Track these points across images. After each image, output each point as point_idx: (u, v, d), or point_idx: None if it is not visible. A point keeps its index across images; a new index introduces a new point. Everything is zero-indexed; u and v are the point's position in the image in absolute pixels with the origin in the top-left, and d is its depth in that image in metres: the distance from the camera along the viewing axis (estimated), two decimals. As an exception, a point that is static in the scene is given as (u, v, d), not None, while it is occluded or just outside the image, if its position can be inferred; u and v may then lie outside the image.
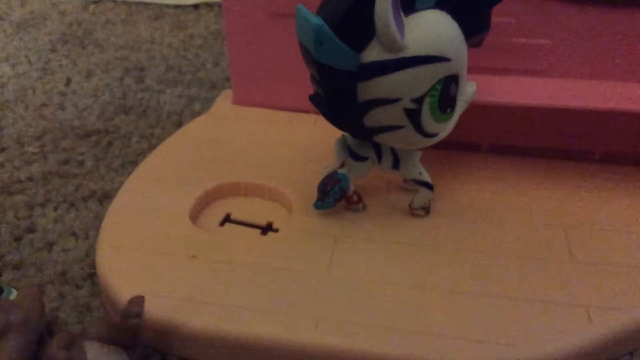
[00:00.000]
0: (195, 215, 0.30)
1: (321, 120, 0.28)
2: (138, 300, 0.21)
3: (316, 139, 0.35)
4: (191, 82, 0.48)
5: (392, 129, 0.25)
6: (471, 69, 0.27)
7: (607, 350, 0.23)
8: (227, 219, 0.30)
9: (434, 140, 0.26)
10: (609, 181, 0.31)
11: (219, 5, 0.65)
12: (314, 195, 0.28)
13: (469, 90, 0.27)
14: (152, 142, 0.40)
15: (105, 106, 0.44)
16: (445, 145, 0.29)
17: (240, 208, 0.30)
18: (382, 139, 0.26)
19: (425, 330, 0.22)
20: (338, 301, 0.24)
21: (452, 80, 0.25)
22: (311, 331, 0.22)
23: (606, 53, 0.32)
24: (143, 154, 0.38)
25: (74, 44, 0.55)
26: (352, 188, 0.28)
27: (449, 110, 0.26)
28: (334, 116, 0.26)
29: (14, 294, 0.25)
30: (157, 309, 0.23)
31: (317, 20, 0.22)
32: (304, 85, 0.27)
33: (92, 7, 0.64)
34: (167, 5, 0.64)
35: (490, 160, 0.33)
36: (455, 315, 0.23)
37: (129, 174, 0.34)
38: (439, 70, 0.24)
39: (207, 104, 0.44)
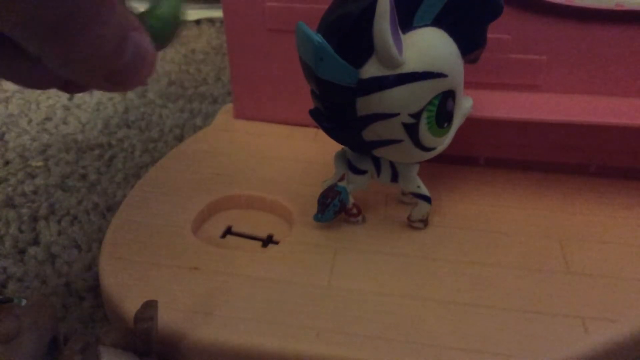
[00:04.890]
0: (197, 227, 0.30)
1: (321, 134, 0.28)
2: (151, 304, 0.21)
3: (316, 153, 0.35)
4: (193, 96, 0.49)
5: (390, 143, 0.26)
6: (468, 85, 0.27)
7: (603, 361, 0.23)
8: (228, 231, 0.30)
9: (431, 154, 0.27)
10: (605, 194, 0.32)
11: (221, 21, 0.66)
12: (313, 208, 0.29)
13: (465, 105, 0.28)
14: (154, 156, 0.40)
15: (108, 120, 0.45)
16: (443, 159, 0.29)
17: (241, 220, 0.31)
18: (381, 152, 0.27)
19: (423, 340, 0.23)
20: (338, 312, 0.24)
21: (449, 96, 0.25)
22: (312, 341, 0.23)
23: (601, 68, 0.32)
24: (145, 167, 0.39)
25: (77, 59, 0.56)
26: (351, 201, 0.29)
27: (446, 124, 0.26)
28: (334, 130, 0.27)
29: (23, 303, 0.25)
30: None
31: (317, 37, 0.23)
32: (304, 99, 0.28)
33: (95, 22, 0.64)
34: (169, 21, 0.65)
35: (487, 174, 0.34)
36: (453, 326, 0.23)
37: (132, 186, 0.34)
38: (436, 86, 0.24)
39: (208, 118, 0.45)
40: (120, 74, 0.18)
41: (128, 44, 0.17)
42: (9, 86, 0.50)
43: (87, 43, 0.16)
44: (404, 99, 0.24)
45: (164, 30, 0.21)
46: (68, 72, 0.17)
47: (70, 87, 0.20)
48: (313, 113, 0.27)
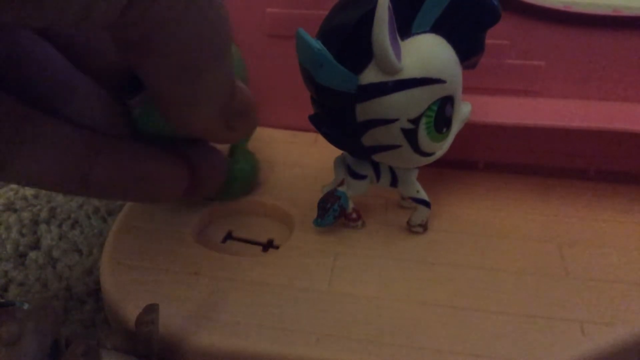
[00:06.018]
0: (198, 232, 0.30)
1: (321, 140, 0.28)
2: (152, 308, 0.21)
3: (316, 158, 0.35)
4: (193, 101, 0.49)
5: (390, 148, 0.26)
6: (466, 90, 0.28)
7: (601, 365, 0.23)
8: (228, 236, 0.30)
9: (430, 159, 0.27)
10: (603, 198, 0.32)
11: (221, 26, 0.66)
12: (313, 212, 0.29)
13: (464, 111, 0.28)
14: (155, 160, 0.40)
15: (109, 125, 0.45)
16: (442, 163, 0.29)
17: (241, 225, 0.31)
18: (381, 157, 0.27)
19: (423, 344, 0.23)
20: (338, 316, 0.24)
21: (447, 101, 0.25)
22: (312, 346, 0.23)
23: (599, 73, 0.33)
24: (146, 171, 0.39)
25: (78, 64, 0.56)
26: (351, 206, 0.29)
27: (444, 130, 0.26)
28: (333, 136, 0.27)
29: (25, 307, 0.25)
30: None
31: (317, 44, 0.23)
32: (304, 105, 0.28)
33: (96, 27, 0.65)
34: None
35: (486, 178, 0.34)
36: (452, 330, 0.23)
37: (133, 191, 0.34)
38: (434, 92, 0.25)
39: (208, 122, 0.45)
40: (235, 117, 0.21)
41: (237, 88, 0.21)
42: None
43: (210, 82, 0.19)
44: (402, 105, 0.24)
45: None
46: (194, 116, 0.20)
47: (191, 189, 0.24)
48: (312, 119, 0.27)
